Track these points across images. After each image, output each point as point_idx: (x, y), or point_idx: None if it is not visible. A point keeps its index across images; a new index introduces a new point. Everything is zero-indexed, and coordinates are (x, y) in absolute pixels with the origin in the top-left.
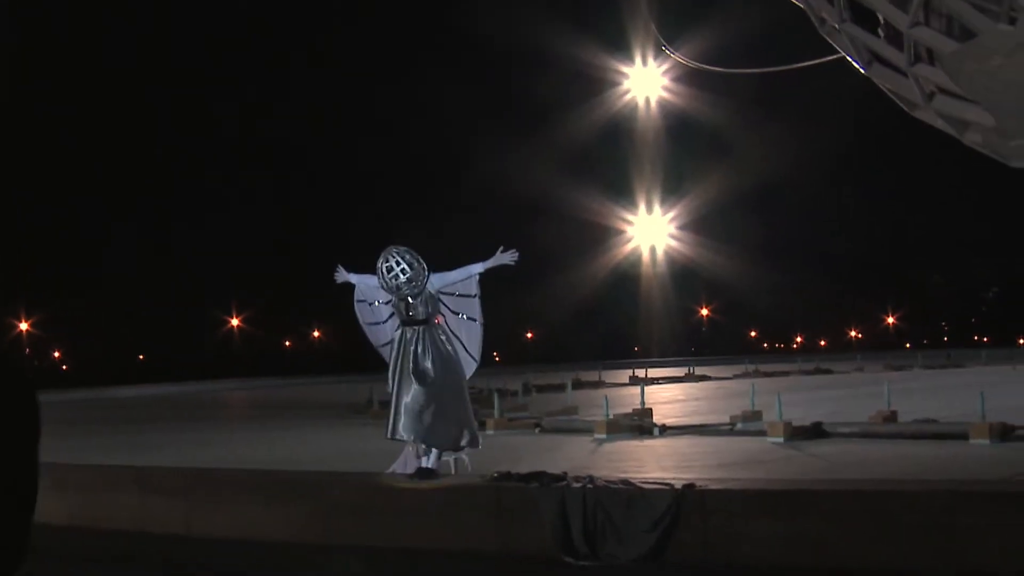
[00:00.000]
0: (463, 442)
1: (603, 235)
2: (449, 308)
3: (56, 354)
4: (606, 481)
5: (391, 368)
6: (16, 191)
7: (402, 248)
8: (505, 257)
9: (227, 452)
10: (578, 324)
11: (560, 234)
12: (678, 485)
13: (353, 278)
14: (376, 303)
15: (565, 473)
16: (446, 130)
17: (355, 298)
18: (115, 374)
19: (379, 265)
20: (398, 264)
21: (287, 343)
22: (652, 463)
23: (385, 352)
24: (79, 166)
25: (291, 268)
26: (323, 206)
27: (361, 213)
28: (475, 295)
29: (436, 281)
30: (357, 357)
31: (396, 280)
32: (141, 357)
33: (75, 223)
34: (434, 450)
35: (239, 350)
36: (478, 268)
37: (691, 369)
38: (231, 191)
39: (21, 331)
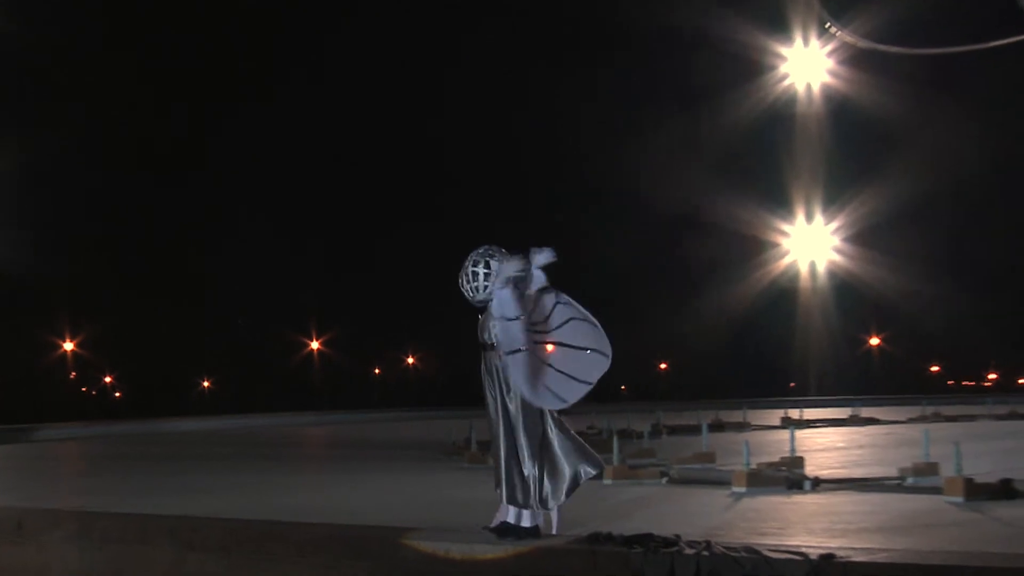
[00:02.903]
0: (543, 494)
1: (753, 249)
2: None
3: (107, 379)
4: (725, 548)
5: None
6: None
7: (492, 248)
8: (541, 259)
9: (287, 499)
10: (721, 354)
11: (701, 248)
12: (814, 555)
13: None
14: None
15: (677, 536)
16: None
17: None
18: (173, 404)
19: (464, 264)
20: (484, 264)
21: (376, 370)
22: (798, 524)
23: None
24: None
25: (382, 282)
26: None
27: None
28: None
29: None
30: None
31: (474, 282)
32: (207, 384)
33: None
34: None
35: (319, 378)
36: (511, 315)
37: (856, 410)
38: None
39: (64, 351)
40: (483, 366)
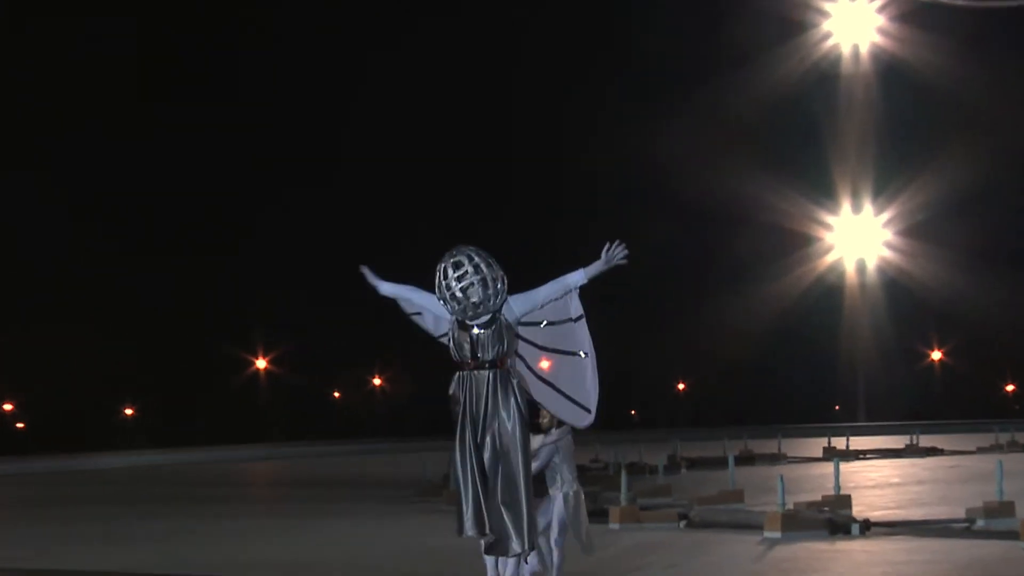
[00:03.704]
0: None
1: (791, 244)
2: (534, 343)
3: (6, 407)
4: None
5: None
6: None
7: (472, 248)
8: (617, 255)
9: (232, 551)
10: (751, 372)
11: (729, 243)
12: None
13: (386, 288)
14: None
15: None
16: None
17: (405, 310)
18: (88, 436)
19: (440, 268)
20: (471, 262)
21: (336, 394)
22: None
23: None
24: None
25: (339, 287)
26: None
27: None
28: (577, 317)
29: (518, 306)
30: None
31: (464, 291)
32: (129, 412)
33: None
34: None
35: (267, 403)
36: (578, 278)
37: (914, 438)
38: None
39: None
40: (466, 387)
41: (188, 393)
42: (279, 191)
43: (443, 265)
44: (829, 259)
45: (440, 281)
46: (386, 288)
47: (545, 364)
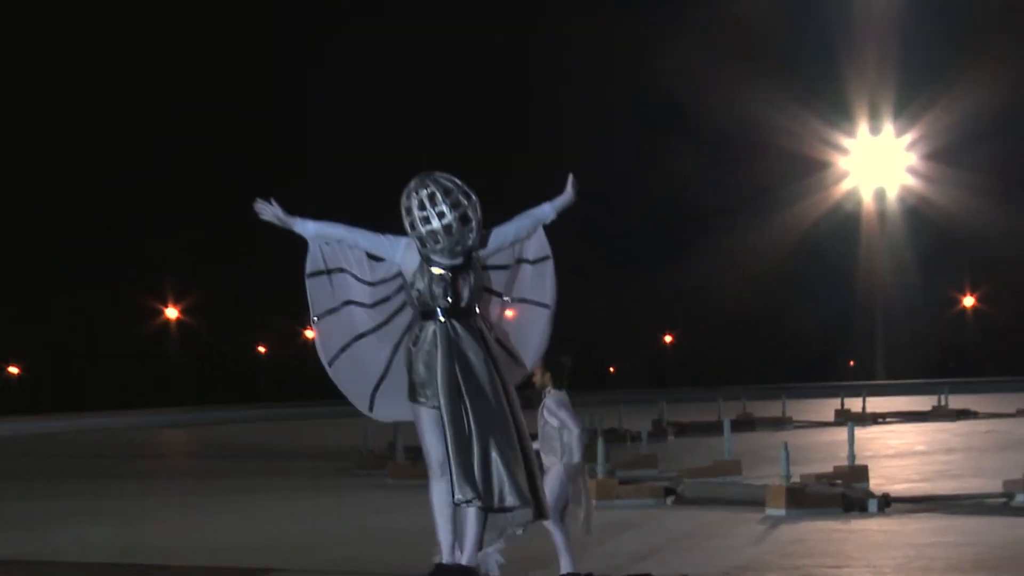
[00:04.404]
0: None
1: (798, 170)
2: (498, 292)
3: None
4: None
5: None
6: None
7: (445, 175)
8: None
9: (135, 533)
10: (751, 320)
11: (725, 169)
12: None
13: (309, 226)
14: (350, 276)
15: None
16: None
17: (308, 267)
18: None
19: (412, 199)
20: (452, 192)
21: (261, 348)
22: (859, 561)
23: (348, 374)
24: None
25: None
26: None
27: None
28: (545, 257)
29: (488, 243)
30: None
31: (447, 227)
32: (14, 371)
33: None
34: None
35: (178, 360)
36: (547, 211)
37: (942, 399)
38: None
39: None
40: (443, 337)
41: (83, 349)
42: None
43: (417, 196)
44: (843, 187)
45: (415, 214)
46: (313, 228)
47: (509, 314)
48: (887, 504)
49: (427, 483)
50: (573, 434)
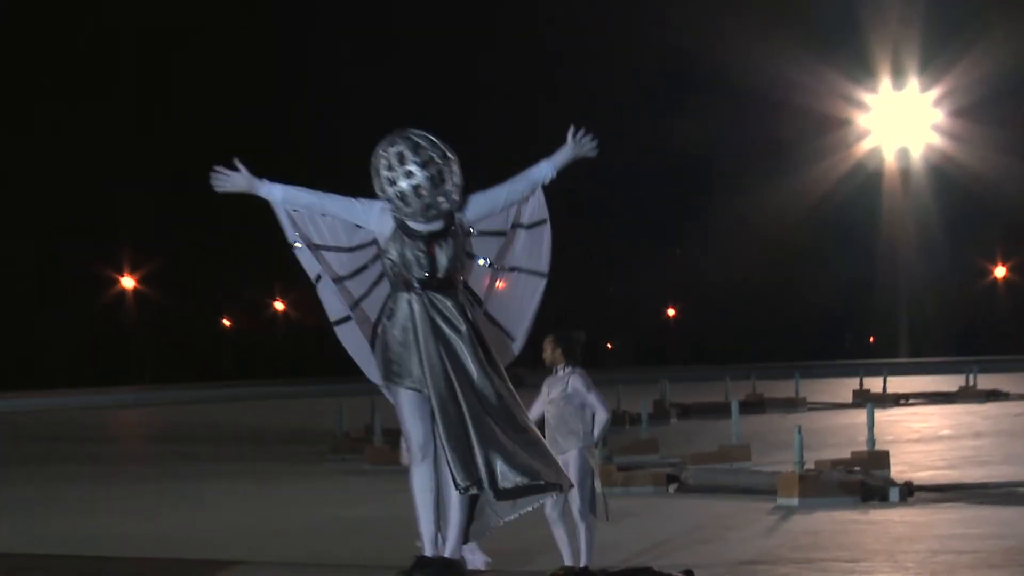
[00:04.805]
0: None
1: (816, 128)
2: (489, 261)
3: None
4: None
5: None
6: None
7: (419, 131)
8: (584, 146)
9: (103, 522)
10: (761, 294)
11: (735, 127)
12: None
13: (276, 190)
14: (322, 249)
15: (690, 573)
16: None
17: (288, 237)
18: None
19: (378, 155)
20: (426, 149)
21: (226, 321)
22: (880, 554)
23: (353, 338)
24: None
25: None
26: None
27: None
28: (543, 220)
29: (473, 209)
30: None
31: (416, 187)
32: None
33: None
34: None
35: (136, 334)
36: (546, 171)
37: (970, 379)
38: None
39: None
40: (420, 312)
41: (30, 320)
42: None
43: (385, 156)
44: (864, 147)
45: (383, 175)
46: (280, 192)
47: (499, 284)
48: (910, 493)
49: (407, 469)
50: (602, 419)
